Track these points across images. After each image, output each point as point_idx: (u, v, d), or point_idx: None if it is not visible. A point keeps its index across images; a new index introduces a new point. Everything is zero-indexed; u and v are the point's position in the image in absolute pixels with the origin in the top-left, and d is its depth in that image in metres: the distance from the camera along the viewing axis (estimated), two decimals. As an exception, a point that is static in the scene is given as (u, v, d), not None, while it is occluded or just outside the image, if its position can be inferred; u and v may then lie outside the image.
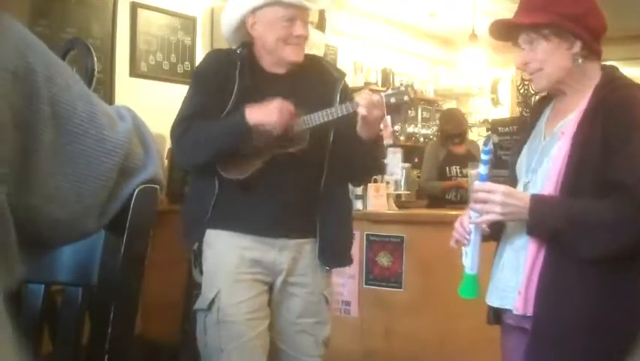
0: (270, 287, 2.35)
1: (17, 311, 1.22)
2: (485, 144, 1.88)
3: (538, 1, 1.81)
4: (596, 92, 1.78)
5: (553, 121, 1.89)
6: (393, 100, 2.20)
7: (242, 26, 2.35)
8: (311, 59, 2.44)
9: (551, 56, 1.80)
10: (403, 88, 2.25)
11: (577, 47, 1.79)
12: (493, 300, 1.92)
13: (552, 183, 1.77)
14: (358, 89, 5.64)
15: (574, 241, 1.72)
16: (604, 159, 1.69)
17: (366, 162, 2.39)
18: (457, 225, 1.92)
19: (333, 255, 2.40)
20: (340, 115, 2.21)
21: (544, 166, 1.82)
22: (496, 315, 1.96)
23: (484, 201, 1.80)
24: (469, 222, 1.87)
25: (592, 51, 1.82)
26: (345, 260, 2.46)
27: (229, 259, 2.30)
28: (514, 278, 1.84)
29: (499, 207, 1.77)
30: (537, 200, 1.75)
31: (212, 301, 2.28)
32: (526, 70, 1.86)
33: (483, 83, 8.28)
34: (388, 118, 2.25)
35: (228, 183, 2.30)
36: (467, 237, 1.88)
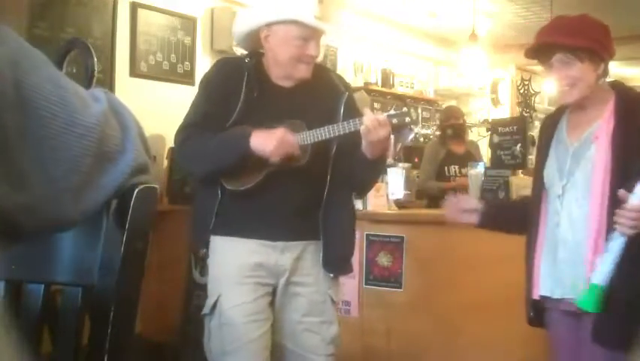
0: (274, 289, 2.37)
1: (17, 311, 1.22)
2: None
3: (576, 27, 2.09)
4: (619, 99, 2.07)
5: (576, 131, 2.12)
6: (395, 121, 2.21)
7: (254, 35, 2.35)
8: (319, 70, 2.44)
9: (584, 76, 2.05)
10: (405, 109, 2.25)
11: (601, 69, 2.07)
12: (554, 292, 2.07)
13: (598, 184, 2.00)
14: (358, 90, 5.64)
15: None
16: None
17: (366, 177, 2.42)
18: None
19: (337, 263, 2.41)
20: (343, 133, 2.22)
21: (584, 168, 2.04)
22: (540, 312, 2.13)
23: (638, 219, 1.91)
24: (619, 230, 1.92)
25: (607, 72, 2.12)
26: (347, 268, 2.48)
27: (231, 263, 2.33)
28: (573, 271, 2.01)
29: None
30: None
31: (214, 305, 2.31)
32: (563, 82, 2.09)
33: (483, 83, 8.28)
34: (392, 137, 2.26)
35: (230, 191, 2.33)
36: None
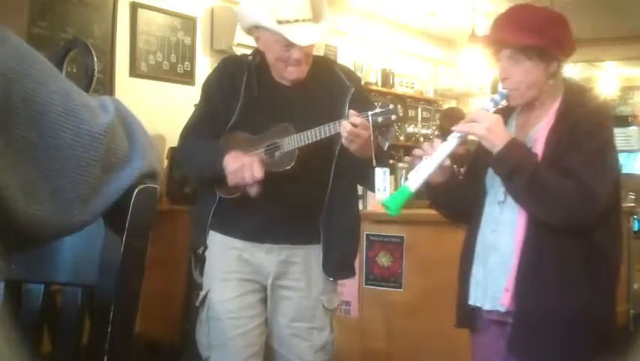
0: (265, 288, 2.35)
1: (17, 311, 1.22)
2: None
3: (530, 21, 1.93)
4: (563, 105, 1.94)
5: (523, 131, 2.00)
6: (380, 119, 2.13)
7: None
8: (325, 64, 2.40)
9: (529, 75, 1.91)
10: (391, 107, 2.18)
11: (553, 67, 1.92)
12: (485, 304, 1.98)
13: None
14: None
15: (523, 189, 1.87)
16: (569, 155, 1.86)
17: (364, 176, 2.28)
18: (424, 144, 2.01)
19: (337, 266, 2.37)
20: (324, 136, 2.17)
21: None
22: (471, 316, 2.05)
23: (475, 120, 1.92)
24: (454, 128, 1.96)
25: (561, 69, 1.97)
26: (349, 272, 2.44)
27: (220, 258, 2.35)
28: (499, 280, 1.94)
29: (487, 123, 1.88)
30: (516, 140, 1.90)
31: (204, 299, 2.34)
32: (504, 84, 1.98)
33: (483, 83, 8.29)
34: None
35: None
36: (431, 154, 1.95)
